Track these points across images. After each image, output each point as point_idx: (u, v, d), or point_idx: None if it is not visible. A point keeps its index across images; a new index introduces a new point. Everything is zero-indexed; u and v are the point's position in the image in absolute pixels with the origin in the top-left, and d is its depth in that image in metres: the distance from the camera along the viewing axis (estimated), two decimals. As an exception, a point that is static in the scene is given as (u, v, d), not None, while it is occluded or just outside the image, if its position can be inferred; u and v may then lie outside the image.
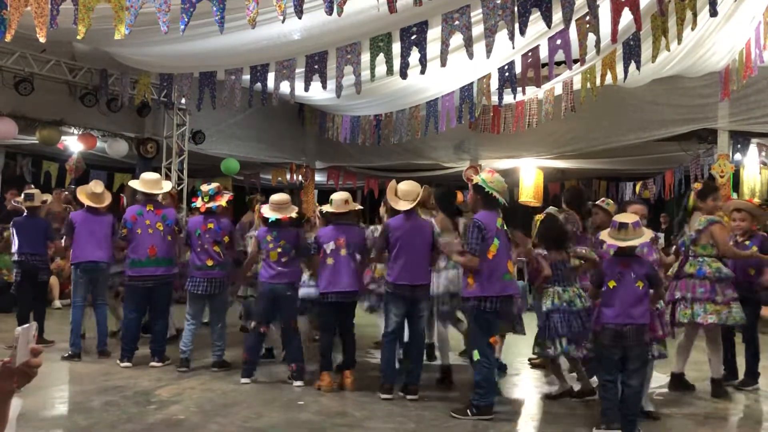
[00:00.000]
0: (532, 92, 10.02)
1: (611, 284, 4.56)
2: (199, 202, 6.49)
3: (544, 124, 10.70)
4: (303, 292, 6.25)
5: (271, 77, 8.32)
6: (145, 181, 6.78)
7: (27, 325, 1.79)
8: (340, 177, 15.92)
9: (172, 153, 12.70)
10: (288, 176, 15.60)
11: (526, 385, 6.21)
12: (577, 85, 9.38)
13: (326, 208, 6.01)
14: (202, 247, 6.38)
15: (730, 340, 6.06)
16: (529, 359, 6.76)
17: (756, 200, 7.31)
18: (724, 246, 5.57)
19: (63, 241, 7.05)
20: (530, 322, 5.81)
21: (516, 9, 6.18)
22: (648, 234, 4.68)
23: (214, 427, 4.64)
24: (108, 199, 7.04)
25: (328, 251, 5.77)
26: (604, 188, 15.54)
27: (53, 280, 9.85)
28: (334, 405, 5.31)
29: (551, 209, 6.54)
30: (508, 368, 6.51)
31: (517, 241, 5.49)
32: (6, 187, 12.03)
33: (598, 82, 8.66)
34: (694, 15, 6.69)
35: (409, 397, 5.40)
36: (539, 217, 6.32)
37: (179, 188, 12.03)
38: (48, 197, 8.03)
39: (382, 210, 6.33)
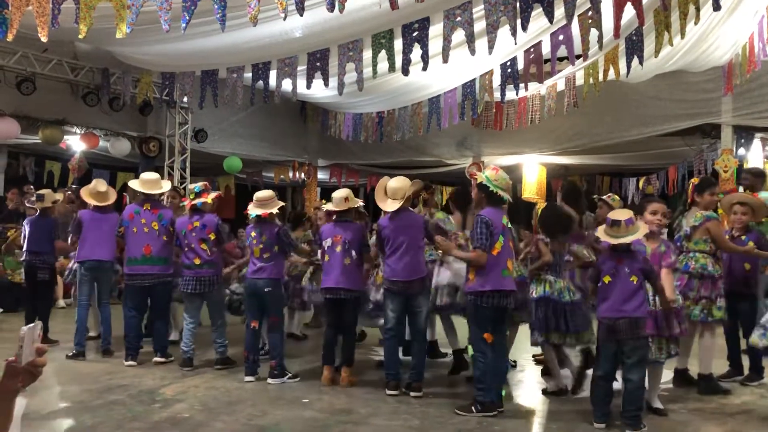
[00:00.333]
0: (534, 88, 10.01)
1: (606, 279, 4.62)
2: (186, 201, 6.52)
3: (547, 120, 10.68)
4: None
5: (272, 75, 8.32)
6: (144, 181, 6.83)
7: (32, 324, 1.79)
8: (342, 174, 15.92)
9: (175, 152, 12.71)
10: (290, 174, 15.60)
11: (530, 382, 6.19)
12: (579, 80, 9.36)
13: (327, 205, 6.05)
14: (189, 246, 6.41)
15: (734, 336, 6.04)
16: (534, 356, 6.75)
17: (759, 195, 7.27)
18: (722, 243, 5.56)
19: (69, 239, 7.10)
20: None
21: (518, 5, 6.17)
22: (643, 229, 4.67)
23: (219, 425, 4.64)
24: (112, 197, 7.05)
25: (326, 248, 5.84)
26: (607, 184, 15.50)
27: (59, 280, 9.88)
28: (338, 402, 5.31)
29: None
30: (515, 365, 6.52)
31: (525, 240, 5.52)
32: (9, 187, 12.04)
33: (600, 77, 8.64)
34: (697, 9, 6.67)
35: (412, 394, 5.40)
36: (541, 205, 6.32)
37: (182, 186, 12.02)
38: (59, 197, 8.06)
39: None
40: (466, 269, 5.05)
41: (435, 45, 6.90)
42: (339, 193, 5.90)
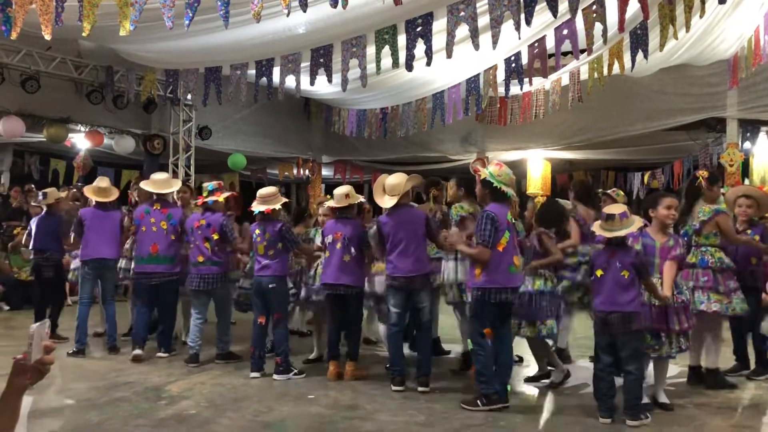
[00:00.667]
0: (539, 83, 9.99)
1: (598, 273, 4.66)
2: (200, 199, 6.56)
3: (552, 114, 10.65)
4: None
5: (276, 72, 8.32)
6: (154, 181, 6.92)
7: (40, 322, 1.80)
8: (346, 171, 15.91)
9: (179, 149, 12.72)
10: (295, 171, 15.60)
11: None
12: (584, 75, 9.34)
13: (329, 202, 6.09)
14: (195, 244, 6.46)
15: (740, 331, 6.02)
16: None
17: (767, 188, 7.25)
18: (732, 236, 5.55)
19: (72, 238, 7.11)
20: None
21: (521, -1, 6.15)
22: (637, 223, 4.70)
23: (225, 422, 4.65)
24: (114, 193, 7.08)
25: (327, 244, 5.90)
26: (612, 179, 15.47)
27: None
28: (344, 398, 5.31)
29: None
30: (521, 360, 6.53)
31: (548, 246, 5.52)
32: (14, 186, 12.08)
33: (605, 71, 8.62)
34: (702, 2, 6.65)
35: (419, 389, 5.41)
36: (539, 200, 6.33)
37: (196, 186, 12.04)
38: (63, 194, 8.09)
39: None
40: (471, 265, 5.05)
41: (439, 40, 6.88)
42: (340, 190, 5.93)
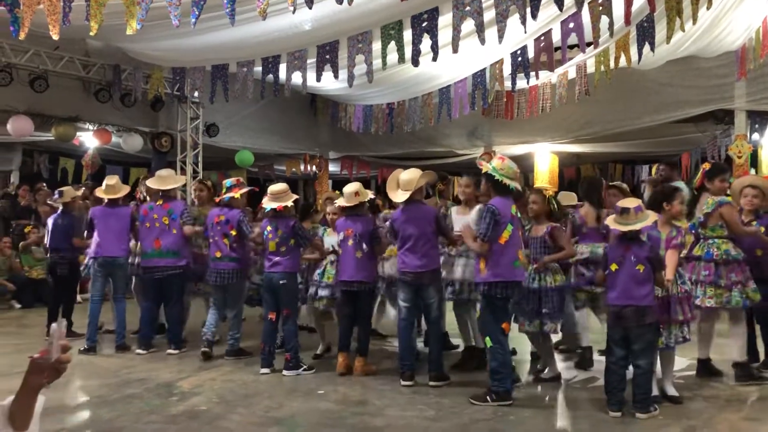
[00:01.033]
0: (545, 77, 9.96)
1: (613, 267, 4.66)
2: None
3: (558, 108, 10.64)
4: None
5: (282, 68, 8.33)
6: (157, 178, 7.05)
7: (59, 321, 1.83)
8: (353, 167, 15.92)
9: (187, 146, 12.76)
10: (302, 167, 15.63)
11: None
12: (590, 68, 9.32)
13: (339, 200, 6.13)
14: (213, 239, 6.55)
15: (749, 323, 5.99)
16: (557, 345, 6.74)
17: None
18: (736, 227, 5.48)
19: (85, 236, 7.23)
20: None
21: (528, -7, 6.14)
22: (652, 217, 4.68)
23: (236, 418, 4.68)
24: (123, 190, 7.15)
25: (339, 242, 5.95)
26: (619, 171, 15.43)
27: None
28: (354, 394, 5.34)
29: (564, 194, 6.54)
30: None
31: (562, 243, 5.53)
32: (23, 185, 12.15)
33: (612, 64, 8.58)
34: (709, -6, 6.61)
35: (430, 383, 5.43)
36: (548, 192, 6.32)
37: (195, 180, 12.06)
38: (80, 193, 8.15)
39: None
40: (476, 260, 5.07)
41: (444, 35, 6.88)
42: (349, 188, 5.97)
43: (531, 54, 8.32)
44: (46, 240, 7.73)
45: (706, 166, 5.84)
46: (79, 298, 10.31)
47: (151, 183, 7.05)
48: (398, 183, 5.64)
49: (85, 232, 7.18)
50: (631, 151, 14.02)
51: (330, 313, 6.47)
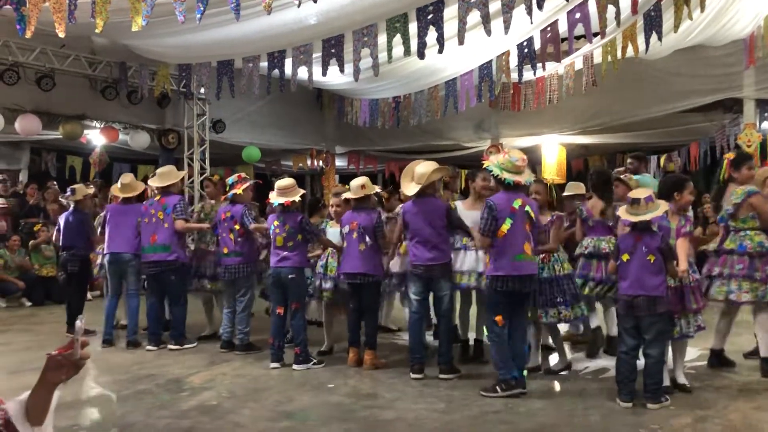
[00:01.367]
0: (552, 68, 9.90)
1: (625, 257, 4.67)
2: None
3: (566, 99, 10.57)
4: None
5: (288, 63, 8.32)
6: (157, 176, 7.15)
7: (80, 318, 1.84)
8: (360, 161, 15.90)
9: (194, 143, 12.78)
10: (309, 162, 15.62)
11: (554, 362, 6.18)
12: (597, 58, 9.25)
13: (346, 194, 6.16)
14: (221, 236, 6.63)
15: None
16: (567, 336, 6.72)
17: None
18: (767, 216, 5.33)
19: (98, 233, 7.36)
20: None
21: (533, -17, 6.10)
22: (663, 207, 4.65)
23: (247, 412, 4.70)
24: (138, 188, 7.27)
25: (344, 234, 5.97)
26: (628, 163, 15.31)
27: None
28: (364, 387, 5.35)
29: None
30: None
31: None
32: (32, 183, 12.20)
33: (619, 54, 8.52)
34: (717, -19, 6.55)
35: (441, 376, 5.44)
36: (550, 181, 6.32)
37: (202, 177, 12.10)
38: (91, 190, 8.20)
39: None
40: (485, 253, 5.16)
41: (450, 27, 6.85)
42: (356, 182, 5.99)
43: (537, 45, 8.28)
44: (55, 238, 7.78)
45: (730, 155, 5.72)
46: (89, 295, 10.39)
47: (152, 182, 7.16)
48: (413, 175, 5.64)
49: (99, 229, 7.29)
50: (640, 141, 13.91)
51: (338, 307, 6.48)
